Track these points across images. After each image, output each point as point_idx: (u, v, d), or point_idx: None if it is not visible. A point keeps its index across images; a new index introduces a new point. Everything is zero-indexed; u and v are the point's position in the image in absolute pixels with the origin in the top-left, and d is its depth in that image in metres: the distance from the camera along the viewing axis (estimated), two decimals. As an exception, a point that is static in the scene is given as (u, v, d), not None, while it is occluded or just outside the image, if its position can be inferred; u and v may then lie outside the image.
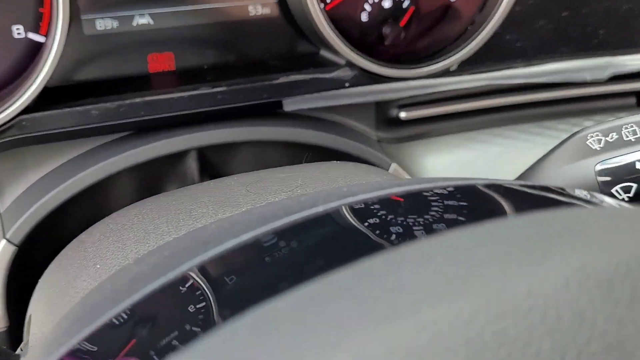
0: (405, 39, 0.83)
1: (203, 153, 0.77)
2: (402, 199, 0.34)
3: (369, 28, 0.81)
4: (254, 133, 0.75)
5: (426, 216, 0.31)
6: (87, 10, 0.69)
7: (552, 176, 0.57)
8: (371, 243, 0.29)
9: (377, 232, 0.30)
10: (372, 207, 0.33)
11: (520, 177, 0.60)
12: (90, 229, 0.56)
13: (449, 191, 0.37)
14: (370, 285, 0.21)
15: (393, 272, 0.21)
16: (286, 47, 0.78)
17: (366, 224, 0.31)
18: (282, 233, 0.28)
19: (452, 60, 0.79)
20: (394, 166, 0.79)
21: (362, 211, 0.32)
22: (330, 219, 0.31)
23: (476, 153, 0.87)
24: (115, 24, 0.71)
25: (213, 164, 0.79)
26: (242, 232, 0.28)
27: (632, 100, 0.97)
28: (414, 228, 0.31)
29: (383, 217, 0.31)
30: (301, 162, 0.79)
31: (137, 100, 0.67)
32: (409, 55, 0.82)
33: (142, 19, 0.72)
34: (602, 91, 0.95)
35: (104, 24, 0.70)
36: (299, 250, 0.28)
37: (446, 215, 0.31)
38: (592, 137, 0.56)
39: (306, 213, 0.30)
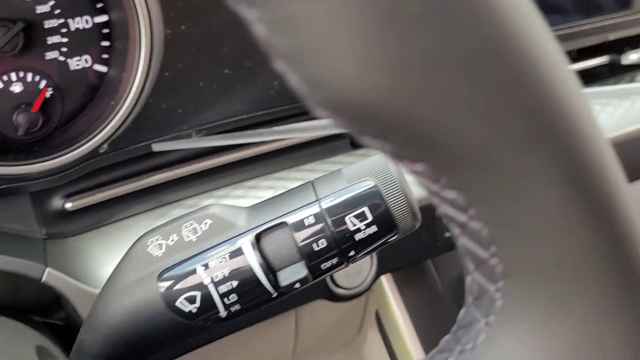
0: (50, 125, 0.73)
1: None
2: None
3: (1, 118, 0.71)
4: None
5: None
6: None
7: (119, 293, 0.48)
8: None
9: None
10: None
11: (99, 296, 0.51)
12: None
13: None
14: None
15: None
16: None
17: None
18: None
19: (97, 140, 0.70)
20: (48, 271, 0.68)
21: None
22: None
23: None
24: None
25: None
26: None
27: (347, 142, 0.92)
28: None
29: None
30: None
31: None
32: (57, 141, 0.73)
33: None
34: (313, 137, 0.90)
35: None
36: None
37: None
38: (152, 242, 0.48)
39: None
